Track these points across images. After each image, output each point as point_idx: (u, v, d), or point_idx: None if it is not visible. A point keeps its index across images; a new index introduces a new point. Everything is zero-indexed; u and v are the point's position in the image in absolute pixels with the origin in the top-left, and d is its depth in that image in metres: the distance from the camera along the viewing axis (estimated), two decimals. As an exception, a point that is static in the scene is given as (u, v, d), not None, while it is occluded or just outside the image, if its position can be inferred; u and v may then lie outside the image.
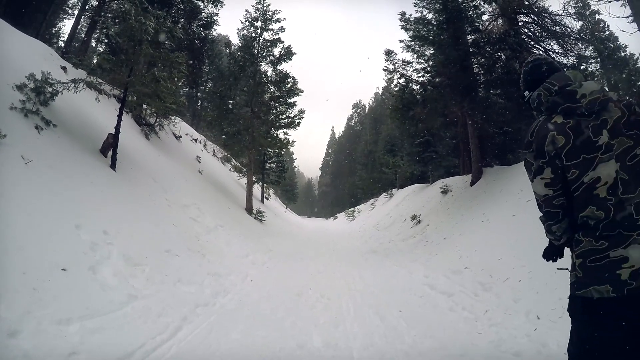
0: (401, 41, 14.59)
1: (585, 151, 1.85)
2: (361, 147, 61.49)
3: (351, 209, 37.58)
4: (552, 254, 2.27)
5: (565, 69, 2.08)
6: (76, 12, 19.56)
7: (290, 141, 18.66)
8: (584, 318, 1.87)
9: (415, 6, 14.51)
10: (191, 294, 5.25)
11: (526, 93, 2.22)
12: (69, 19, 23.96)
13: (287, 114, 18.13)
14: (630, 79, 18.94)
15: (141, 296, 4.51)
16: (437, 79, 14.14)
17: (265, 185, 26.71)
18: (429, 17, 14.20)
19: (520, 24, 14.57)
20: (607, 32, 20.82)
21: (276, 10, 18.17)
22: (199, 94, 35.97)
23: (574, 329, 1.93)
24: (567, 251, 2.13)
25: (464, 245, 8.54)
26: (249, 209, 16.46)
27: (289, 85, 17.87)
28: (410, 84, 14.83)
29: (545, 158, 1.95)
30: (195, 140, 22.19)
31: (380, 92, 66.36)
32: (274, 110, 18.08)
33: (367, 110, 74.00)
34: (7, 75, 6.51)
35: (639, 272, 1.69)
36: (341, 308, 5.36)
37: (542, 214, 2.14)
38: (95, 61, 9.54)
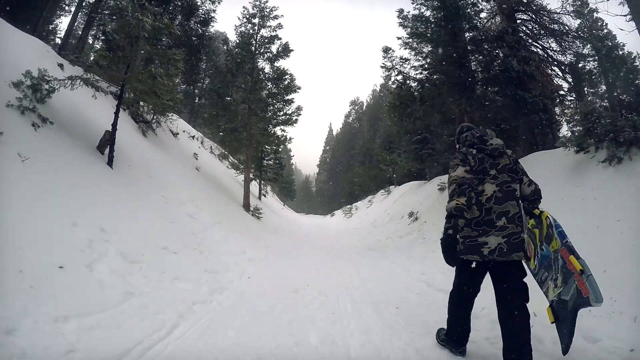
0: (399, 38, 14.62)
1: (481, 174, 3.33)
2: (359, 144, 61.49)
3: (349, 206, 37.60)
4: (450, 248, 3.18)
5: (487, 130, 3.73)
6: (73, 9, 19.44)
7: (288, 138, 18.66)
8: (461, 269, 3.51)
9: (413, 3, 14.53)
10: (188, 291, 5.25)
11: (456, 141, 3.94)
12: (65, 16, 23.81)
13: (284, 111, 18.10)
14: (628, 77, 18.94)
15: (138, 293, 4.51)
16: (434, 76, 14.16)
17: (262, 182, 26.70)
18: (427, 15, 14.21)
19: (518, 21, 14.60)
20: (605, 31, 20.78)
21: (274, 7, 18.11)
22: (196, 90, 35.88)
23: (456, 274, 3.63)
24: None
25: (461, 242, 8.56)
26: (246, 206, 16.45)
27: (286, 82, 17.82)
28: (408, 81, 14.85)
29: (466, 162, 3.34)
30: (193, 137, 22.12)
31: (378, 89, 66.53)
32: (272, 107, 18.03)
33: (364, 107, 73.95)
34: (4, 72, 6.48)
35: (493, 251, 3.19)
36: (338, 305, 5.37)
37: (460, 188, 3.14)
38: (92, 58, 9.50)
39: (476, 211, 3.23)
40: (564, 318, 3.08)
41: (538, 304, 4.34)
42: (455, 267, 3.54)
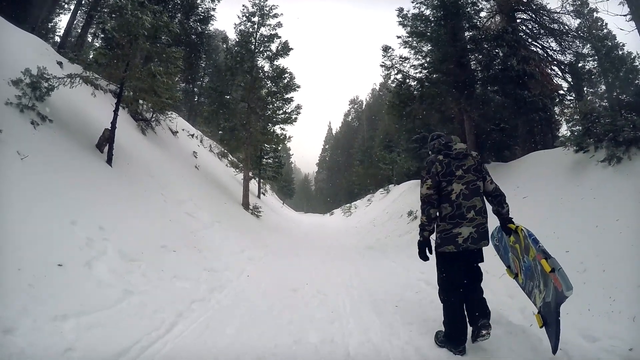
0: (399, 37, 14.59)
1: (450, 175, 3.81)
2: (358, 142, 61.37)
3: (348, 205, 37.59)
4: (423, 249, 3.92)
5: (452, 137, 4.14)
6: (72, 7, 19.41)
7: (287, 137, 18.65)
8: (442, 260, 3.92)
9: (413, 2, 14.49)
10: (187, 290, 5.26)
11: (428, 148, 4.33)
12: (65, 14, 23.66)
13: (283, 110, 18.08)
14: (628, 77, 18.93)
15: (137, 292, 4.51)
16: (434, 75, 14.11)
17: (261, 180, 26.67)
18: (427, 14, 14.17)
19: (518, 21, 14.56)
20: (605, 30, 20.78)
21: (273, 5, 18.07)
22: (195, 89, 35.85)
23: (438, 265, 4.00)
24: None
25: (460, 241, 8.55)
26: (245, 205, 16.44)
27: (285, 81, 17.80)
28: (408, 80, 14.79)
29: (430, 175, 3.85)
30: (192, 135, 22.10)
31: (377, 88, 66.33)
32: (271, 106, 18.00)
33: (364, 106, 73.75)
34: (3, 71, 6.47)
35: (467, 239, 3.70)
36: (337, 304, 5.39)
37: (423, 206, 3.89)
38: (91, 56, 9.47)
39: (448, 207, 3.80)
40: (551, 320, 3.34)
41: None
42: (437, 267, 4.05)
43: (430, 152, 4.25)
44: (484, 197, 3.97)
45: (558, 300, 3.26)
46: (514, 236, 4.02)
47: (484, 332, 3.61)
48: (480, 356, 3.65)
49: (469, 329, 3.80)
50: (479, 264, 4.00)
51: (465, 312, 3.78)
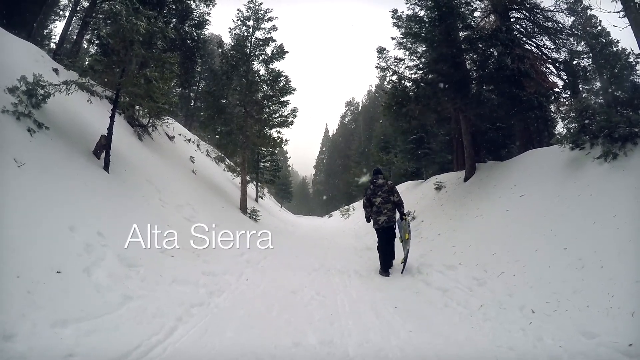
0: (393, 38, 14.59)
1: (374, 194, 7.97)
2: (355, 144, 61.34)
3: (346, 207, 37.48)
4: (368, 220, 8.21)
5: (379, 175, 8.26)
6: (67, 14, 19.38)
7: (284, 140, 18.62)
8: (376, 232, 8.02)
9: (407, 3, 14.50)
10: (186, 294, 5.25)
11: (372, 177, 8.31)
12: (60, 21, 23.67)
13: (280, 113, 18.01)
14: (623, 73, 18.96)
15: (136, 297, 4.51)
16: (429, 76, 14.09)
17: (259, 184, 26.63)
18: (421, 14, 14.17)
19: (512, 20, 14.62)
20: (599, 28, 20.80)
21: (268, 9, 18.06)
22: (191, 94, 35.77)
23: (378, 236, 7.96)
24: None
25: (458, 240, 8.58)
26: (243, 209, 16.40)
27: (281, 84, 17.76)
28: (403, 81, 14.75)
29: (366, 193, 8.26)
30: (189, 140, 22.08)
31: (373, 89, 66.30)
32: (267, 109, 17.96)
33: (360, 108, 73.67)
34: (-2, 78, 6.48)
35: (383, 222, 7.77)
36: (336, 305, 5.39)
37: (364, 206, 8.16)
38: (87, 62, 9.45)
39: (374, 208, 7.80)
40: (405, 259, 7.50)
41: (535, 301, 4.36)
42: (376, 235, 7.92)
43: (369, 182, 8.12)
44: (392, 204, 7.76)
45: (407, 247, 7.57)
46: (404, 223, 7.82)
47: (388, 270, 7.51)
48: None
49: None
50: (393, 233, 7.81)
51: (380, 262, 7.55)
